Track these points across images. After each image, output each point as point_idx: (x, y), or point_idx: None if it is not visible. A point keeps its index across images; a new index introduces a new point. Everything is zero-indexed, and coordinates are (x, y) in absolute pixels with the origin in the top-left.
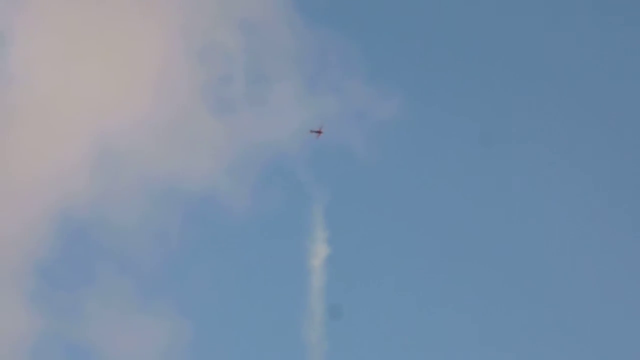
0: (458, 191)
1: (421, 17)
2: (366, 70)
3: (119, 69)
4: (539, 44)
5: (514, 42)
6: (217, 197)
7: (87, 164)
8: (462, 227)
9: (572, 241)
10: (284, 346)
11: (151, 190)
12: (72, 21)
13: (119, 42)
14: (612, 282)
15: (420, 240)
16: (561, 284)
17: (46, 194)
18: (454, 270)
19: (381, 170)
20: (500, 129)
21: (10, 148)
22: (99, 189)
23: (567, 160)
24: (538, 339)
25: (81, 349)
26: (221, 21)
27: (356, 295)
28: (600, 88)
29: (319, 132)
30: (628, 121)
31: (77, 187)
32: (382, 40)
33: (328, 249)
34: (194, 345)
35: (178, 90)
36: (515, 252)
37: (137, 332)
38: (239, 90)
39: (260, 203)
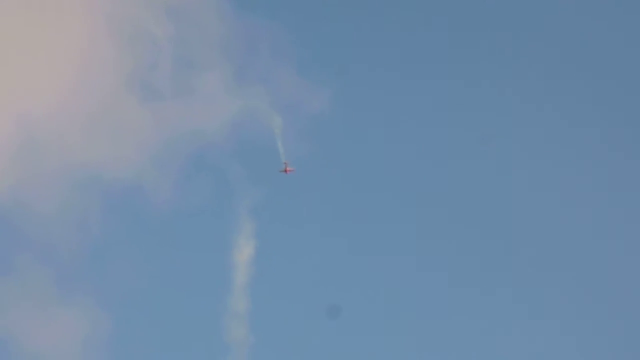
0: (387, 187)
1: (354, 6)
2: (297, 60)
3: (43, 54)
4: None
5: (451, 30)
6: (140, 187)
7: (8, 150)
8: (393, 221)
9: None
10: (204, 343)
11: (73, 177)
12: None
13: (43, 27)
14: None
15: (345, 235)
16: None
17: None
18: (387, 268)
19: (309, 164)
20: (433, 121)
21: None
22: (19, 175)
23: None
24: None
25: None
26: (148, 8)
27: (280, 293)
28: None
29: (286, 170)
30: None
31: None
32: (313, 30)
33: (253, 245)
34: (112, 339)
35: (103, 77)
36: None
37: (55, 324)
38: (166, 78)
39: (184, 194)
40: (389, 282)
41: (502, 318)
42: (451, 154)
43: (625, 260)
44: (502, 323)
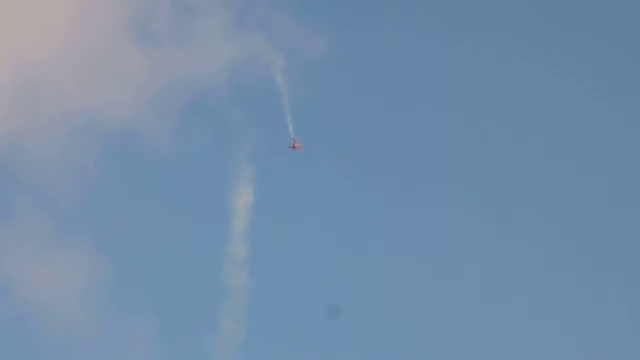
0: (386, 130)
1: None
2: (295, 6)
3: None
4: None
5: None
6: (138, 133)
7: (5, 96)
8: (394, 166)
9: None
10: (204, 287)
11: (71, 123)
12: None
13: None
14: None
15: (348, 179)
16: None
17: None
18: (387, 217)
19: (307, 108)
20: (431, 65)
21: None
22: (17, 120)
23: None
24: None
25: None
26: None
27: (279, 240)
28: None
29: (295, 146)
30: None
31: None
32: None
33: (252, 190)
34: (112, 284)
35: (101, 22)
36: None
37: (54, 270)
38: (164, 23)
39: (183, 140)
40: (389, 224)
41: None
42: (451, 99)
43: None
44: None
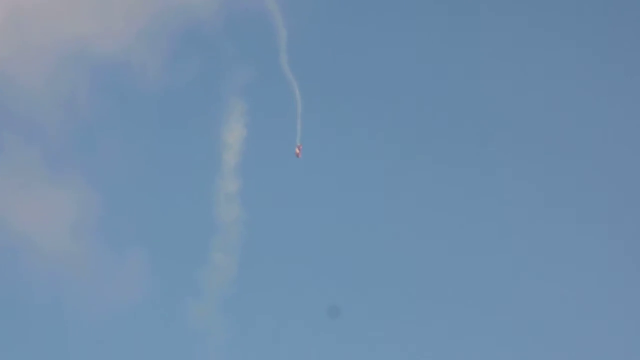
0: (384, 67)
1: None
2: None
3: None
4: None
5: None
6: (128, 64)
7: None
8: (391, 97)
9: None
10: (195, 222)
11: (59, 52)
12: None
13: None
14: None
15: (343, 114)
16: None
17: None
18: (384, 150)
19: (299, 39)
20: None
21: None
22: (3, 49)
23: None
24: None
25: None
26: None
27: (271, 174)
28: None
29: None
30: None
31: None
32: None
33: (244, 125)
34: (102, 217)
35: None
36: None
37: (44, 202)
38: None
39: (174, 72)
40: (380, 168)
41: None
42: (443, 44)
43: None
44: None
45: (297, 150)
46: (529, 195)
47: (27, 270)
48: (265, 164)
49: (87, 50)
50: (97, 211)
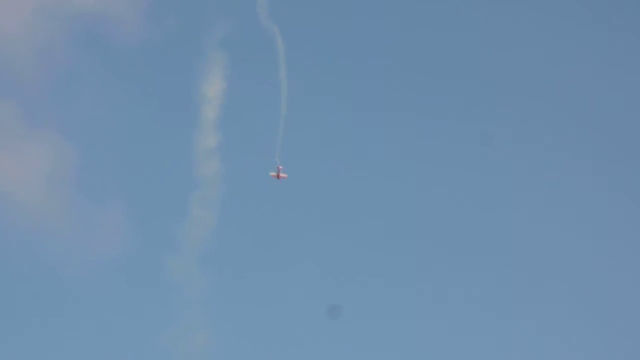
0: (365, 12)
1: None
2: None
3: None
4: None
5: None
6: (107, 16)
7: None
8: (375, 46)
9: None
10: (174, 178)
11: (38, 1)
12: None
13: None
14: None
15: (324, 65)
16: None
17: None
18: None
19: None
20: None
21: None
22: None
23: None
24: None
25: None
26: None
27: (250, 129)
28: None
29: (279, 175)
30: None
31: None
32: None
33: (223, 77)
34: (80, 171)
35: None
36: None
37: (21, 157)
38: None
39: (153, 24)
40: (366, 119)
41: None
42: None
43: None
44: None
45: (278, 171)
46: (529, 144)
47: (4, 223)
48: (245, 118)
49: (65, 1)
50: (74, 164)
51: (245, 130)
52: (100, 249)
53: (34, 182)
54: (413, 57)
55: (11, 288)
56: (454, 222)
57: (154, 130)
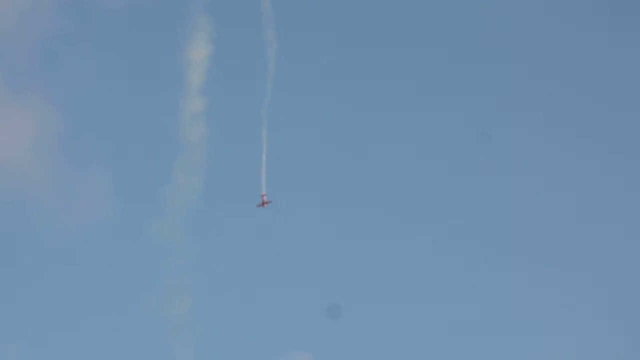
0: None
1: None
2: None
3: None
4: None
5: None
6: None
7: None
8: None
9: None
10: (159, 143)
11: None
12: None
13: None
14: None
15: (308, 29)
16: None
17: None
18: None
19: None
20: None
21: None
22: None
23: None
24: None
25: None
26: None
27: (237, 92)
28: None
29: (264, 203)
30: None
31: None
32: None
33: (210, 42)
34: (65, 136)
35: None
36: None
37: (6, 122)
38: None
39: None
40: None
41: None
42: None
43: None
44: None
45: (263, 199)
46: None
47: None
48: (232, 82)
49: None
50: (59, 129)
51: (231, 94)
52: (86, 214)
53: (19, 147)
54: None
55: None
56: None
57: (139, 95)
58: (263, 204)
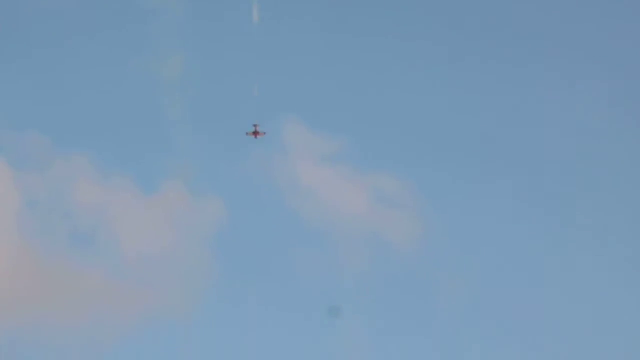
0: None
1: None
2: None
3: None
4: None
5: None
6: None
7: None
8: None
9: None
10: None
11: None
12: None
13: None
14: None
15: None
16: None
17: None
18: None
19: None
20: None
21: None
22: None
23: None
24: None
25: None
26: None
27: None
28: None
29: (256, 133)
30: None
31: None
32: None
33: None
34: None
35: None
36: None
37: None
38: None
39: None
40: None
41: None
42: None
43: None
44: None
45: (255, 130)
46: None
47: None
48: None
49: None
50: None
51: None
52: None
53: None
54: None
55: None
56: None
57: None
58: (255, 133)
